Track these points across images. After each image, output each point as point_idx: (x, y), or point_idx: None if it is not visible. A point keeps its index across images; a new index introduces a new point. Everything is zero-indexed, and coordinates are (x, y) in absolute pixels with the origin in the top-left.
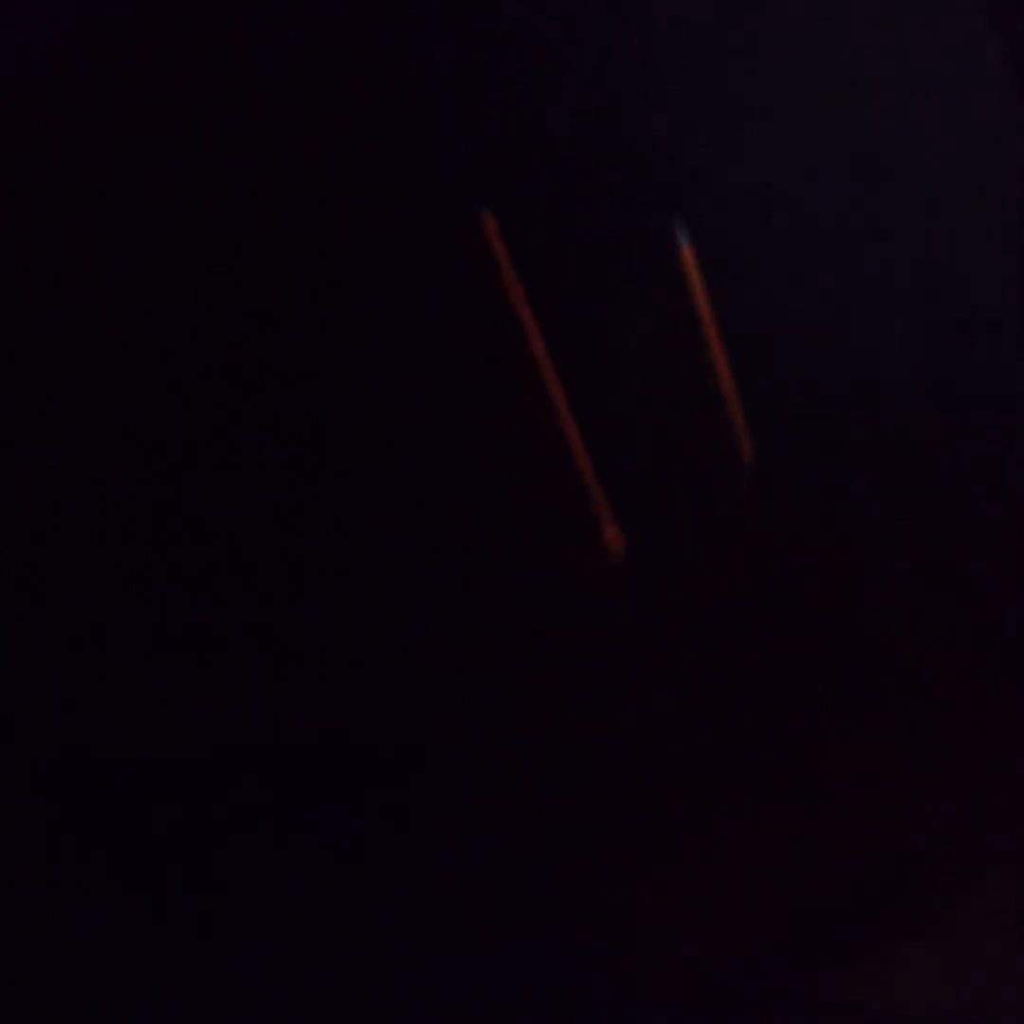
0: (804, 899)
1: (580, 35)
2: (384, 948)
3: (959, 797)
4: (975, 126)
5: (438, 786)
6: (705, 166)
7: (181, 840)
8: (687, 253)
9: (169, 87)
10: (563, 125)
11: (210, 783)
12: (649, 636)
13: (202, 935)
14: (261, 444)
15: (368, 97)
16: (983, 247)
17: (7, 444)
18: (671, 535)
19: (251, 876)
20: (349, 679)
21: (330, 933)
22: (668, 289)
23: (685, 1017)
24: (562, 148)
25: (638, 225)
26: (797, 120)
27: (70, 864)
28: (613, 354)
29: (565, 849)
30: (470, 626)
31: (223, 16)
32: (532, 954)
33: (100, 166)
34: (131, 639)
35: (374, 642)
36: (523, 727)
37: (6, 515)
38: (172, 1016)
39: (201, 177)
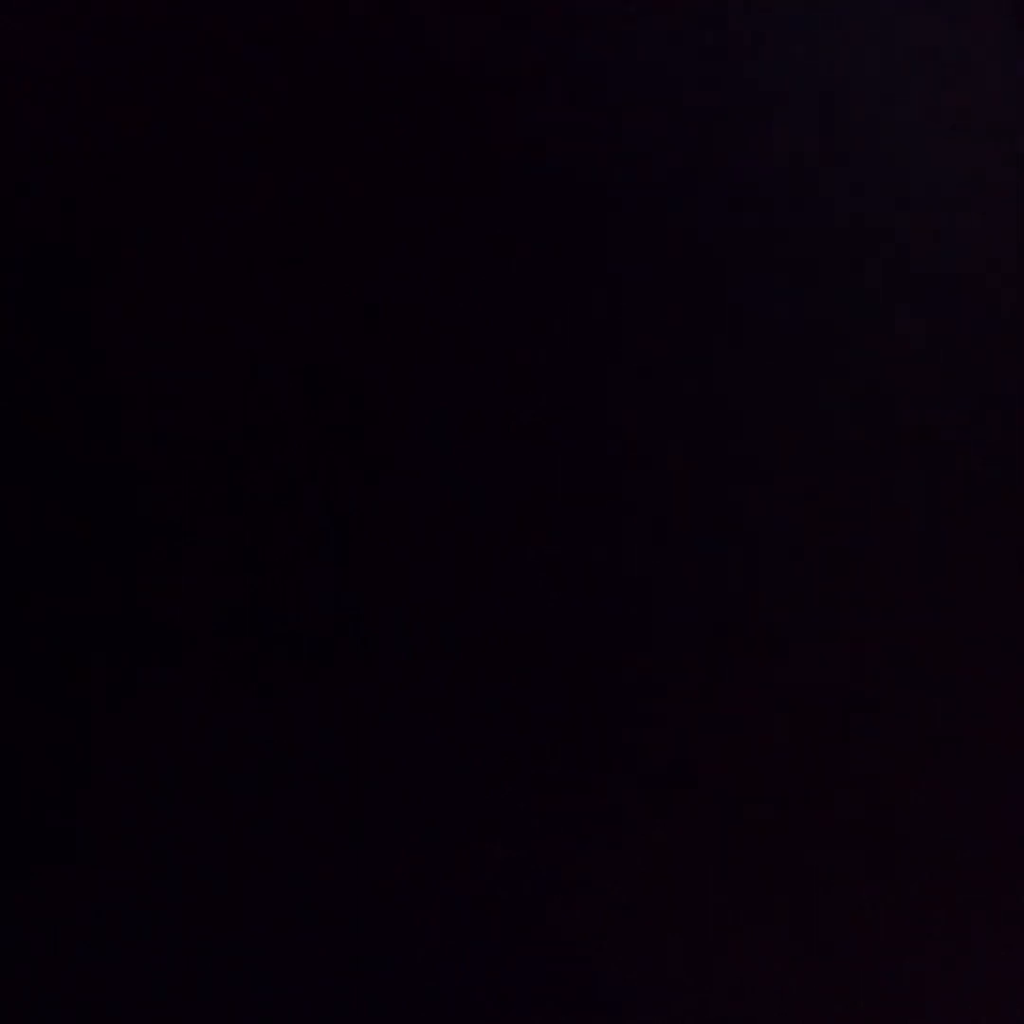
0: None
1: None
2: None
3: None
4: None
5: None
6: (714, 167)
7: (177, 840)
8: None
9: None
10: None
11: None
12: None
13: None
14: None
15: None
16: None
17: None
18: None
19: (250, 879)
20: (345, 681)
21: (326, 938)
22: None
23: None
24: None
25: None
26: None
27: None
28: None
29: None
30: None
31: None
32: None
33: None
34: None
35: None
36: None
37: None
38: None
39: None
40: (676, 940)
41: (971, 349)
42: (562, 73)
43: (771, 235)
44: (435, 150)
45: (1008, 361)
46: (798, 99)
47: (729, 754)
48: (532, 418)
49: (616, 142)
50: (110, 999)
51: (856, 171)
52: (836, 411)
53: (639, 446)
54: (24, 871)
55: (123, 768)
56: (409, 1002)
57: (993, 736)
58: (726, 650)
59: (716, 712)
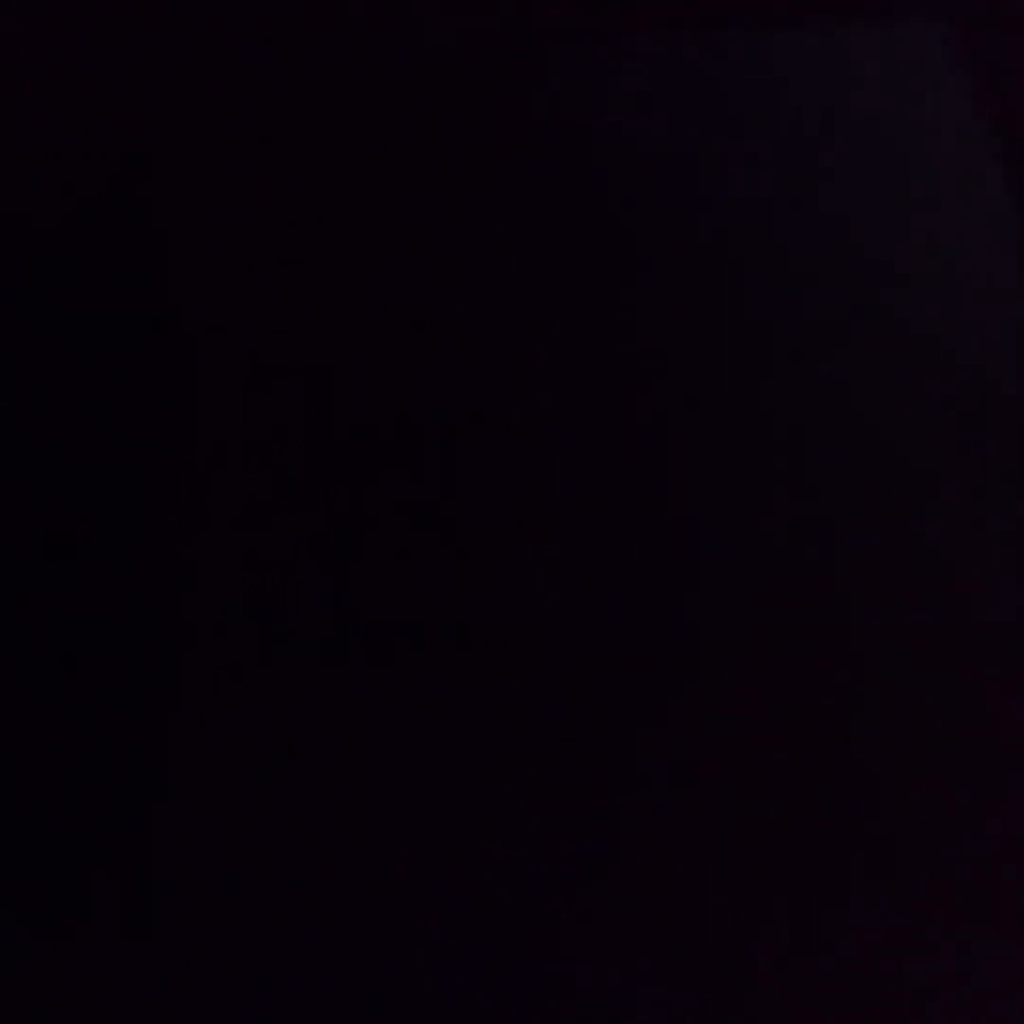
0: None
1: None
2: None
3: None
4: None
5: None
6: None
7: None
8: None
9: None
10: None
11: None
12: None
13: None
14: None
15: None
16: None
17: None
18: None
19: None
20: (343, 683)
21: (326, 938)
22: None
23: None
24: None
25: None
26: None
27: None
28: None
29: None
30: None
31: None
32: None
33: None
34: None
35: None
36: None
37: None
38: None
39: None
40: (676, 940)
41: (972, 350)
42: (562, 73)
43: (771, 236)
44: (435, 150)
45: (1009, 361)
46: (799, 99)
47: (729, 754)
48: (532, 418)
49: (616, 142)
50: (109, 999)
51: (856, 175)
52: (836, 411)
53: (639, 446)
54: (23, 872)
55: (122, 767)
56: (409, 1002)
57: (993, 736)
58: (726, 650)
59: (716, 712)
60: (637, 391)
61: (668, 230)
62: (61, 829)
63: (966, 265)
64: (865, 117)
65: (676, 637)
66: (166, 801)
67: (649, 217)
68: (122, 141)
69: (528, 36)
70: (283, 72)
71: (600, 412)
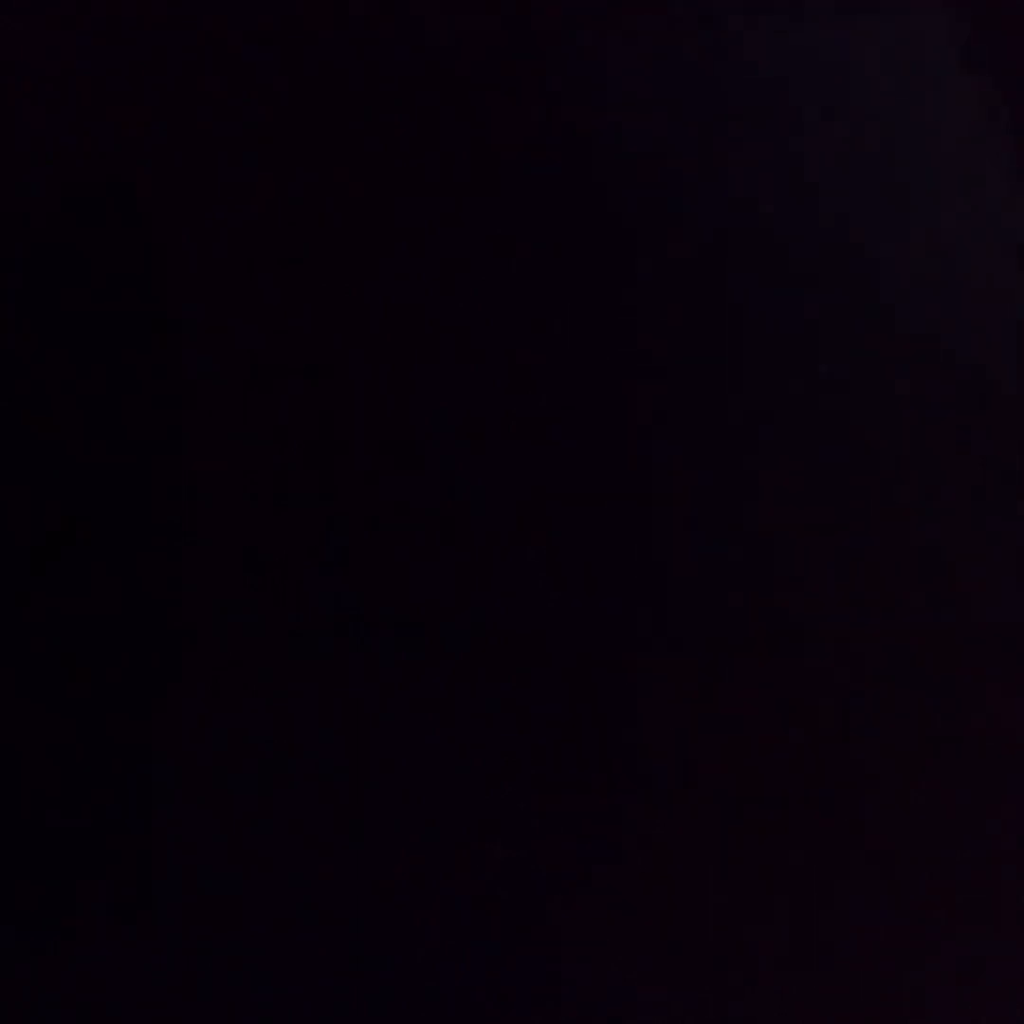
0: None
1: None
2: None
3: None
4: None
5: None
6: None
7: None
8: None
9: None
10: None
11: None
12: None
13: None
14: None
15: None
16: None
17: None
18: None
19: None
20: (343, 683)
21: (327, 938)
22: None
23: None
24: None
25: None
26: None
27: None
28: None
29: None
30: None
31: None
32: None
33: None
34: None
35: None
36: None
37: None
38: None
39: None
40: (676, 940)
41: (973, 350)
42: (562, 73)
43: (772, 236)
44: (435, 150)
45: (1009, 361)
46: (799, 99)
47: (729, 754)
48: (532, 418)
49: (616, 142)
50: (109, 999)
51: (857, 172)
52: (836, 412)
53: (639, 446)
54: (24, 873)
55: (123, 767)
56: (409, 1002)
57: (993, 736)
58: (726, 650)
59: (716, 712)
60: (636, 390)
61: (668, 230)
62: (60, 828)
63: (966, 265)
64: (866, 116)
65: (677, 637)
66: (166, 801)
67: (649, 216)
68: (121, 141)
69: (528, 36)
70: (283, 72)
71: (599, 411)
